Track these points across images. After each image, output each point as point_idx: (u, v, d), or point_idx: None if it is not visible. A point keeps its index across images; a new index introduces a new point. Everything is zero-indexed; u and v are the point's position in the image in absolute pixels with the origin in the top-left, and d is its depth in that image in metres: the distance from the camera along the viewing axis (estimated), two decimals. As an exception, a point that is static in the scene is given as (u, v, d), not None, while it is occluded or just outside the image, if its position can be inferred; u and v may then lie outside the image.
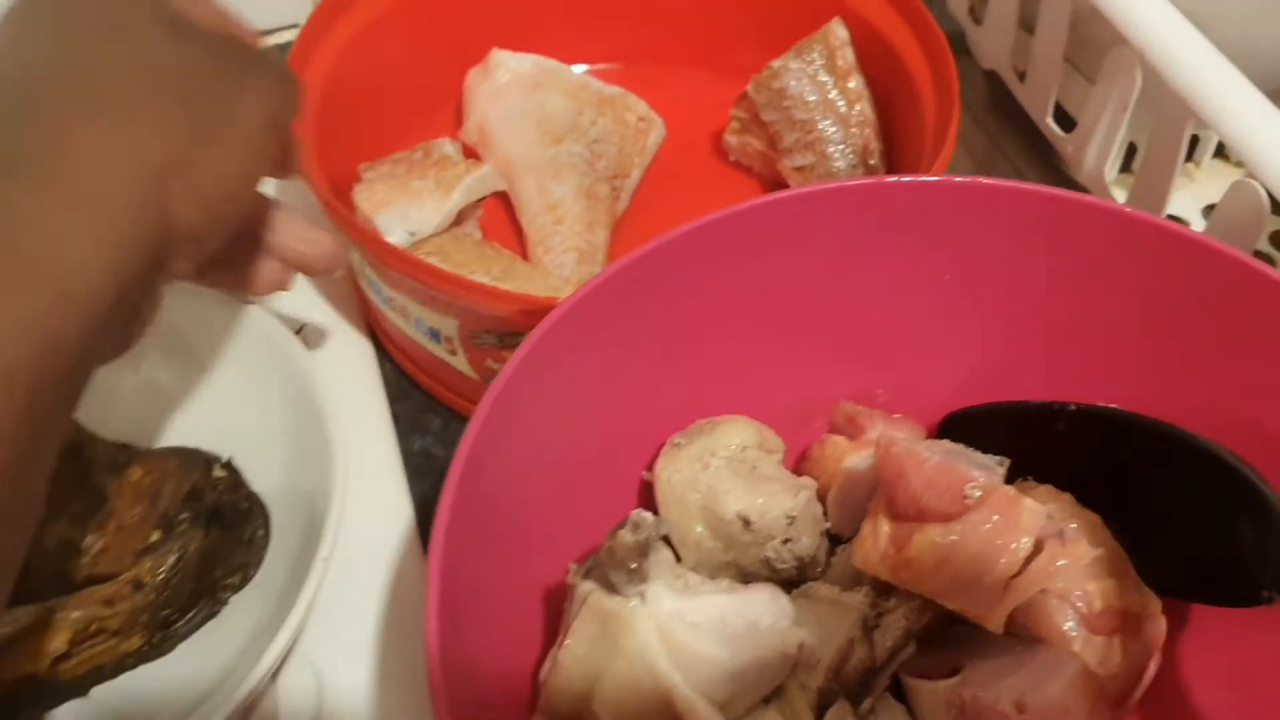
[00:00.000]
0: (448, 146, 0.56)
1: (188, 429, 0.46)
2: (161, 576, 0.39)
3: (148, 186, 0.30)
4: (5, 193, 0.28)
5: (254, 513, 0.43)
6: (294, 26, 0.71)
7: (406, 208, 0.52)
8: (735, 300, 0.42)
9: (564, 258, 0.55)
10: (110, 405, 0.44)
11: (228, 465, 0.43)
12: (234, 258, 0.39)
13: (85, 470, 0.42)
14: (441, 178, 0.53)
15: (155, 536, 0.40)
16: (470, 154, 0.60)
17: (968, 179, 0.40)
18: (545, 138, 0.58)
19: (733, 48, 0.64)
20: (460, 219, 0.55)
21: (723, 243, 0.41)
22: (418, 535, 0.50)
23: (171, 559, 0.39)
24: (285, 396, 0.44)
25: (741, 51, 0.63)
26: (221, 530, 0.42)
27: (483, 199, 0.56)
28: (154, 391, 0.47)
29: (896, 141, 0.57)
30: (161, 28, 0.33)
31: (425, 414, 0.54)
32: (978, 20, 0.66)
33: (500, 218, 0.59)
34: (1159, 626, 0.37)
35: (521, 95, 0.59)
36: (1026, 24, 0.61)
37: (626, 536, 0.35)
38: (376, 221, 0.52)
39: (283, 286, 0.41)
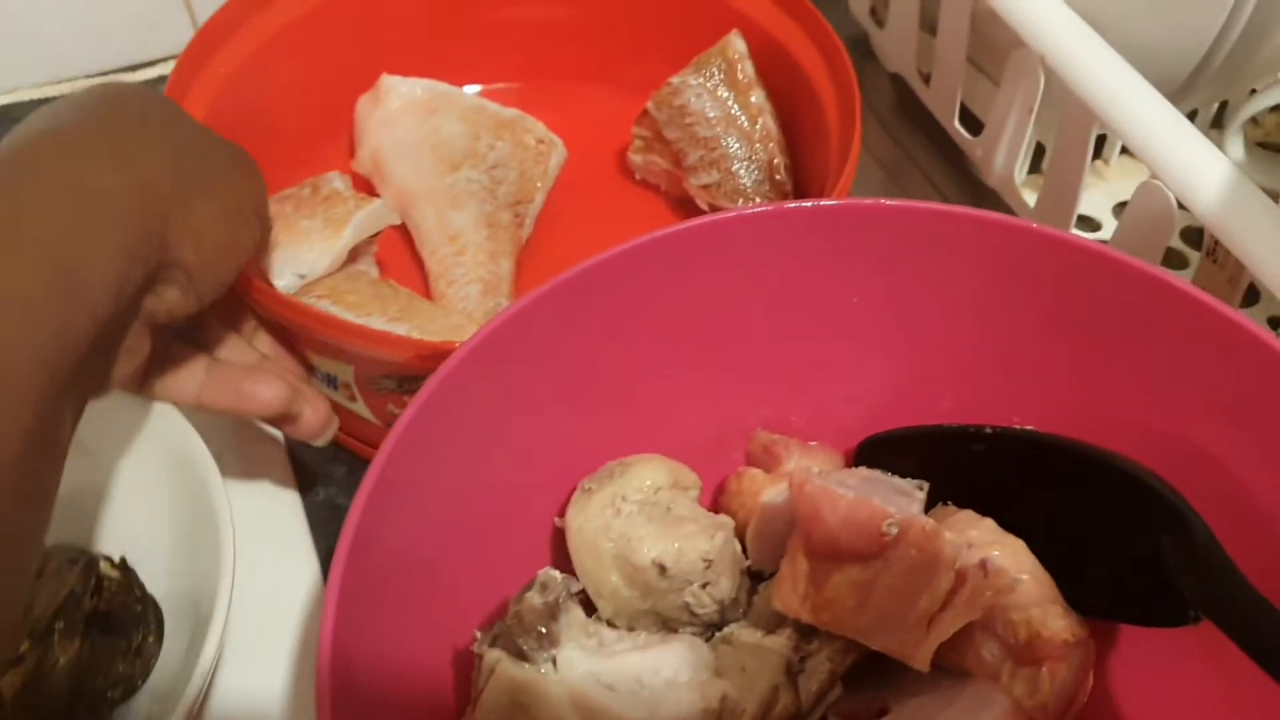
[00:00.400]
0: (337, 181, 0.53)
1: (69, 518, 0.43)
2: (24, 693, 0.36)
3: (151, 209, 0.34)
4: (24, 188, 0.32)
5: (146, 616, 0.40)
6: (171, 58, 0.68)
7: (294, 249, 0.49)
8: (642, 333, 0.41)
9: (468, 289, 0.53)
10: None
11: (121, 564, 0.40)
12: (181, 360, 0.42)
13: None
14: (330, 215, 0.51)
15: (25, 647, 0.37)
16: (364, 186, 0.57)
17: (869, 201, 0.39)
18: (441, 165, 0.56)
19: (631, 61, 0.62)
20: (354, 256, 0.53)
21: (625, 276, 0.39)
22: (324, 588, 0.47)
23: (35, 672, 0.36)
24: (173, 479, 0.42)
25: (641, 64, 0.61)
26: (106, 637, 0.39)
27: (377, 234, 0.53)
28: None
29: (802, 154, 0.56)
30: (174, 117, 0.40)
31: (329, 463, 0.51)
32: (880, 23, 0.65)
33: (401, 250, 0.57)
34: (1087, 652, 0.37)
35: (415, 121, 0.57)
36: (929, 26, 0.60)
37: (534, 599, 0.33)
38: (263, 265, 0.49)
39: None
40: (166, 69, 0.68)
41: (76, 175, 0.33)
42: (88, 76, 0.67)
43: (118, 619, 0.39)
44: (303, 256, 0.49)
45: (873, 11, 0.66)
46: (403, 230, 0.57)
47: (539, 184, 0.57)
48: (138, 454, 0.43)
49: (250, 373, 0.43)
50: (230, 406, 0.42)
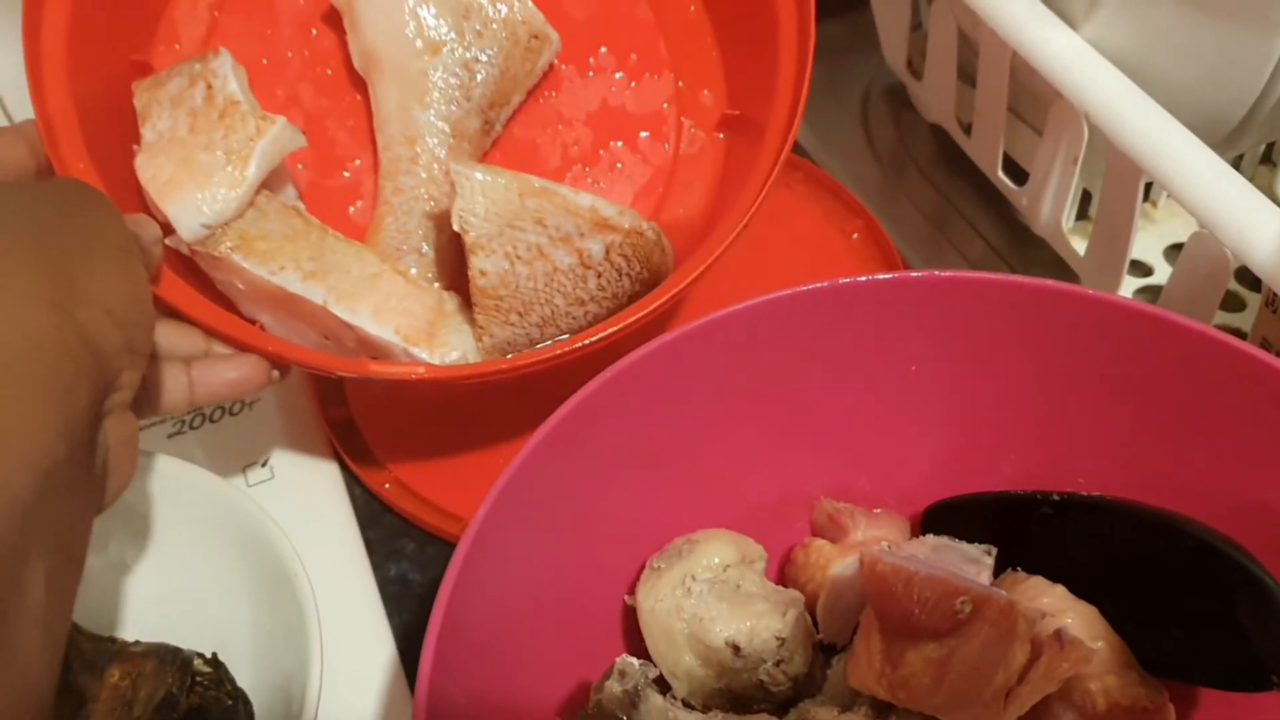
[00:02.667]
0: (231, 81, 0.46)
1: (159, 613, 0.45)
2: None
3: (55, 326, 0.30)
4: None
5: (237, 710, 0.41)
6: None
7: (196, 194, 0.44)
8: (704, 408, 0.42)
9: (414, 206, 0.49)
10: (81, 588, 0.43)
11: (213, 660, 0.42)
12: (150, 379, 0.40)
13: (66, 671, 0.41)
14: (230, 145, 0.44)
15: (127, 746, 0.38)
16: (336, 17, 0.51)
17: (921, 273, 0.40)
18: (420, 39, 0.49)
19: None
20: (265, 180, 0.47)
21: (685, 356, 0.40)
22: (401, 667, 0.48)
23: (137, 769, 0.38)
24: (261, 575, 0.43)
25: None
26: (201, 733, 0.40)
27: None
28: (123, 574, 0.46)
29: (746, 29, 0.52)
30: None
31: (399, 539, 0.52)
32: (917, 75, 0.66)
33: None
34: (1167, 717, 0.37)
35: None
36: (967, 76, 0.61)
37: (614, 687, 0.34)
38: (168, 213, 0.44)
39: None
40: None
41: None
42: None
43: (211, 715, 0.41)
44: (207, 202, 0.44)
45: (909, 64, 0.67)
46: (309, 99, 0.51)
47: (520, 85, 0.51)
48: (221, 549, 0.44)
49: (227, 361, 0.43)
50: (224, 396, 0.42)
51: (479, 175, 0.44)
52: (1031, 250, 0.61)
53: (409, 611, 0.50)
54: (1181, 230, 0.61)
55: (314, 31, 0.53)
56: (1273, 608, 0.34)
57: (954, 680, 0.35)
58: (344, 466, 0.54)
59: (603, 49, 0.55)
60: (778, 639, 0.38)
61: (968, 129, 0.62)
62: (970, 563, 0.40)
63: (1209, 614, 0.36)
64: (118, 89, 0.48)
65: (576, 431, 0.38)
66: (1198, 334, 0.37)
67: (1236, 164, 0.59)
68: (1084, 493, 0.39)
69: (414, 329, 0.45)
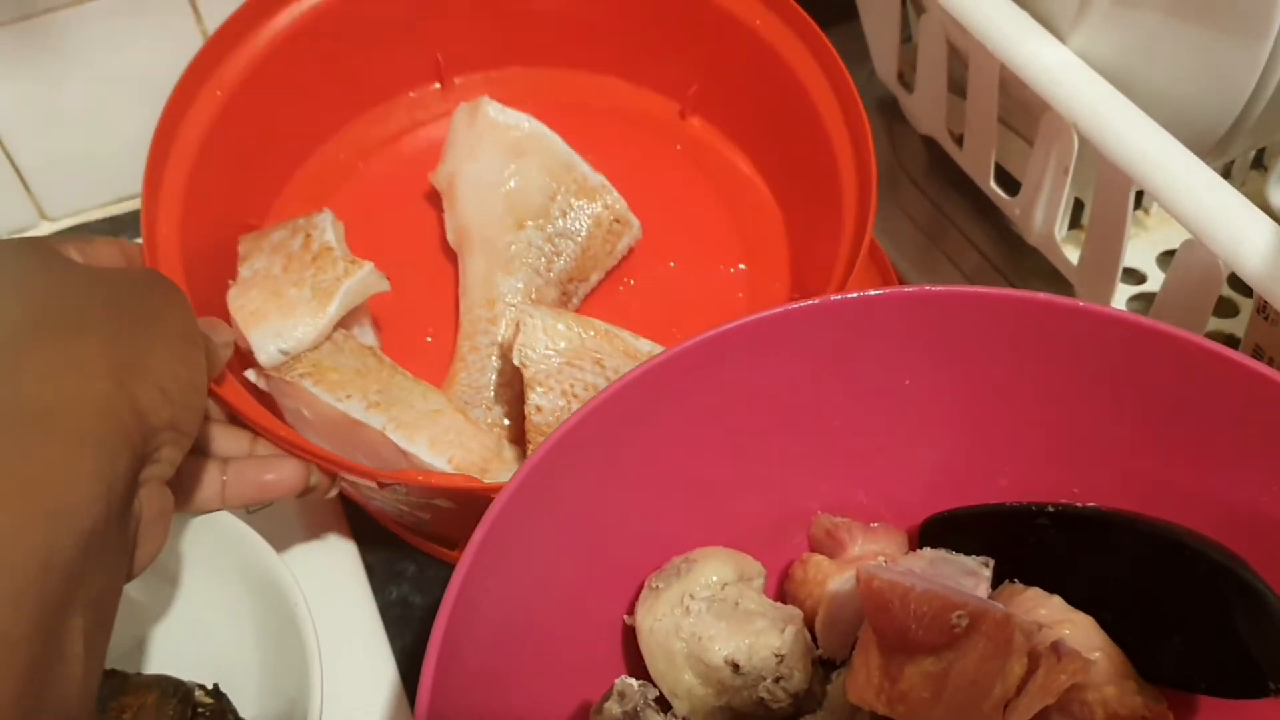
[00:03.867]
0: (329, 232, 0.50)
1: (161, 645, 0.45)
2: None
3: (109, 394, 0.32)
4: None
5: (239, 740, 0.42)
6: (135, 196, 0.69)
7: (280, 324, 0.47)
8: (701, 426, 0.42)
9: (486, 363, 0.51)
10: None
11: (214, 692, 0.42)
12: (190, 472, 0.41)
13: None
14: (319, 283, 0.48)
15: (130, 779, 0.39)
16: (436, 199, 0.57)
17: (913, 289, 0.40)
18: (509, 217, 0.53)
19: (653, 63, 0.62)
20: (346, 321, 0.50)
21: (686, 373, 0.40)
22: (403, 690, 0.48)
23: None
24: (261, 604, 0.43)
25: (662, 68, 0.62)
26: (201, 762, 0.40)
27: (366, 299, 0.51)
28: (124, 605, 0.45)
29: (811, 194, 0.56)
30: (62, 270, 0.36)
31: (399, 561, 0.52)
32: (908, 87, 0.66)
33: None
34: (1166, 726, 0.37)
35: (501, 159, 0.54)
36: (958, 88, 0.61)
37: (614, 708, 0.34)
38: (249, 338, 0.47)
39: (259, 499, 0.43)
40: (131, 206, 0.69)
41: (32, 401, 0.30)
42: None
43: (213, 744, 0.41)
44: (287, 331, 0.47)
45: (900, 76, 0.67)
46: (401, 264, 0.54)
47: (600, 264, 0.55)
48: (222, 579, 0.44)
49: (264, 462, 0.44)
50: (255, 499, 0.43)
51: (543, 314, 0.47)
52: (1026, 260, 0.61)
53: (410, 634, 0.50)
54: (1174, 237, 0.61)
55: (414, 210, 0.58)
56: (1269, 615, 0.34)
57: (952, 694, 0.35)
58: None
59: (683, 242, 0.58)
60: (777, 656, 0.38)
61: (959, 140, 0.62)
62: (968, 575, 0.40)
63: (1206, 622, 0.36)
64: (226, 243, 0.52)
65: (574, 451, 0.38)
66: (1191, 345, 0.37)
67: (1227, 170, 0.59)
68: (1079, 504, 0.39)
69: (469, 463, 0.46)
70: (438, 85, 0.62)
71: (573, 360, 0.46)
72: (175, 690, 0.40)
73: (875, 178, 0.51)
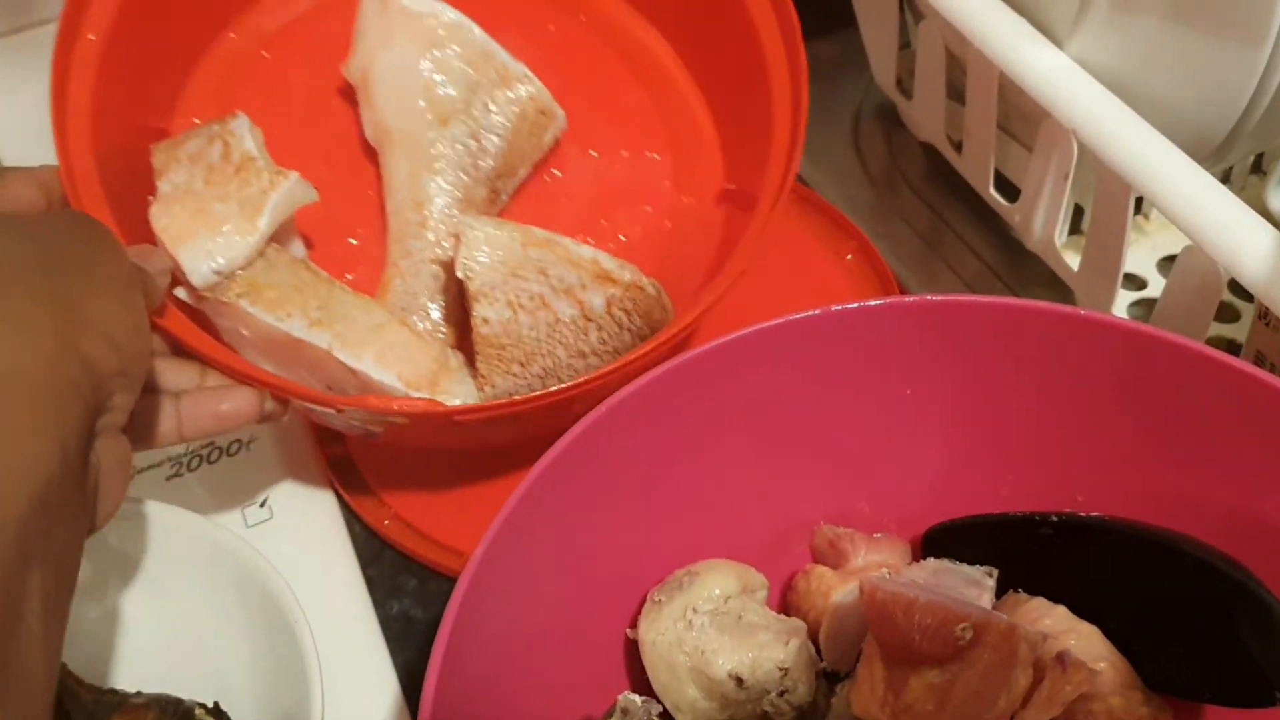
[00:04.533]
0: (247, 140, 0.47)
1: (159, 663, 0.45)
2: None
3: (53, 351, 0.31)
4: None
5: (241, 759, 0.41)
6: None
7: (209, 242, 0.45)
8: (702, 438, 0.42)
9: (420, 269, 0.50)
10: (77, 638, 0.44)
11: (214, 709, 0.41)
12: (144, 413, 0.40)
13: (67, 722, 0.41)
14: (245, 196, 0.46)
15: (132, 796, 0.38)
16: (350, 93, 0.53)
17: (913, 298, 0.40)
18: (430, 112, 0.50)
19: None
20: (274, 234, 0.48)
21: (681, 386, 0.40)
22: (406, 706, 0.48)
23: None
24: (261, 620, 0.43)
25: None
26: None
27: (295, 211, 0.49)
28: (122, 623, 0.45)
29: (739, 100, 0.54)
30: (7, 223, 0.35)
31: (400, 575, 0.52)
32: (906, 94, 0.66)
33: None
34: (1173, 736, 0.36)
35: (415, 48, 0.51)
36: (957, 94, 0.61)
37: (616, 724, 0.34)
38: (179, 258, 0.45)
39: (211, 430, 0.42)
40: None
41: None
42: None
43: (213, 764, 0.41)
44: (218, 250, 0.45)
45: (898, 83, 0.67)
46: (322, 167, 0.52)
47: (527, 158, 0.53)
48: (220, 596, 0.44)
49: (216, 394, 0.43)
50: (212, 430, 0.43)
51: (483, 224, 0.45)
52: (1026, 267, 0.61)
53: (412, 649, 0.50)
54: (1174, 243, 0.61)
55: (327, 106, 0.55)
56: (1273, 623, 0.34)
57: (957, 706, 0.35)
58: (343, 504, 0.54)
59: (604, 130, 0.56)
60: (780, 669, 0.37)
61: (959, 147, 0.62)
62: (972, 585, 0.40)
63: (1211, 631, 0.36)
64: (136, 151, 0.49)
65: (574, 465, 0.38)
66: (1193, 352, 0.37)
67: (1227, 175, 0.59)
68: (1083, 513, 0.39)
69: (417, 376, 0.45)
70: None
71: (516, 271, 0.45)
72: (174, 709, 0.40)
73: (806, 75, 0.49)
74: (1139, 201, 0.48)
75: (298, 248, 0.50)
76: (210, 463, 0.55)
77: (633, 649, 0.41)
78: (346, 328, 0.45)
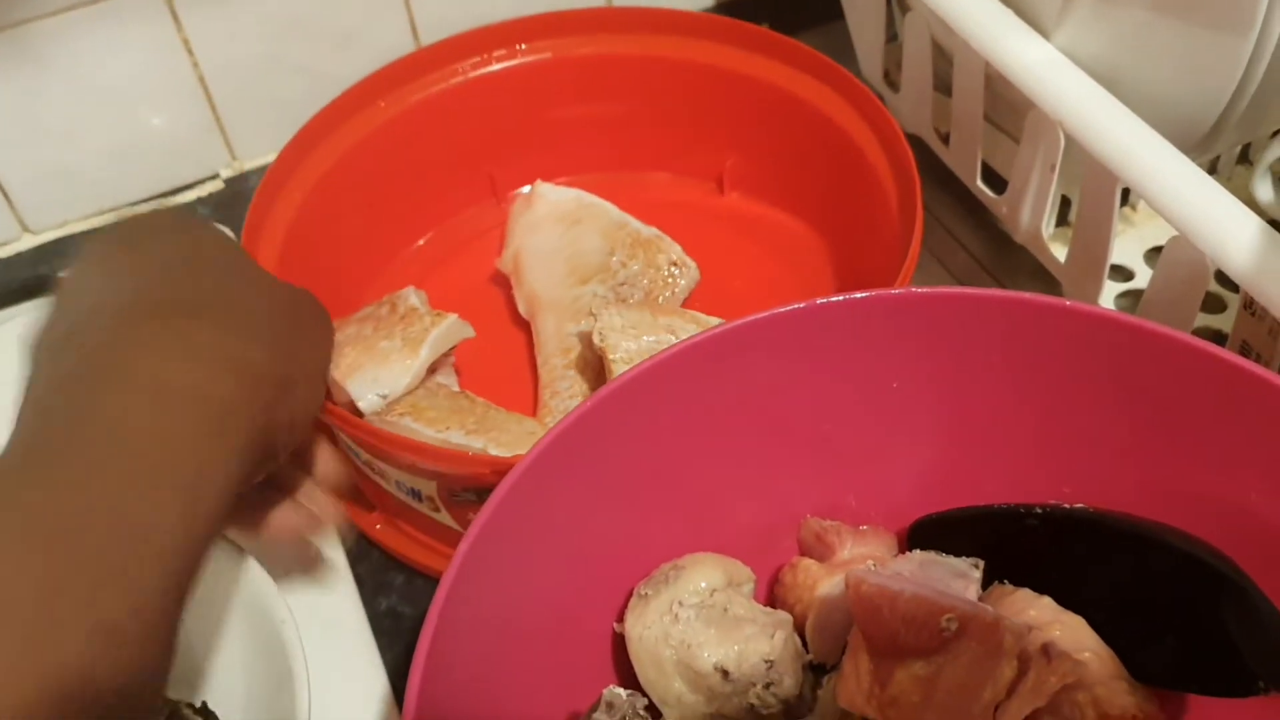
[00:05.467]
0: (413, 298, 0.54)
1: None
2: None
3: (262, 409, 0.35)
4: (147, 405, 0.33)
5: (229, 759, 0.41)
6: (214, 178, 0.70)
7: (375, 371, 0.50)
8: (689, 431, 0.42)
9: (569, 404, 0.53)
10: None
11: (203, 710, 0.41)
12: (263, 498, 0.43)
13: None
14: (408, 334, 0.52)
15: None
16: (504, 283, 0.60)
17: (899, 291, 0.40)
18: (572, 276, 0.57)
19: (688, 149, 0.65)
20: (433, 369, 0.53)
21: (669, 381, 0.40)
22: (394, 702, 0.48)
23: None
24: (248, 620, 0.42)
25: (699, 150, 0.64)
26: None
27: (453, 347, 0.54)
28: None
29: (863, 241, 0.57)
30: (251, 272, 0.40)
31: (387, 572, 0.52)
32: (893, 86, 0.66)
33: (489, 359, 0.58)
34: (1158, 726, 0.37)
35: (558, 230, 0.59)
36: (944, 86, 0.61)
37: (602, 719, 0.34)
38: (348, 388, 0.51)
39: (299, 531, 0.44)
40: (205, 190, 0.70)
41: (197, 386, 0.34)
42: (131, 204, 0.69)
43: (204, 763, 0.41)
44: (383, 378, 0.51)
45: (885, 75, 0.67)
46: (479, 338, 0.56)
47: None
48: (208, 597, 0.44)
49: (308, 511, 0.44)
50: (287, 538, 0.43)
51: (617, 306, 0.52)
52: (1013, 259, 0.61)
53: (400, 645, 0.50)
54: (1161, 234, 0.61)
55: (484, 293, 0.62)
56: (1255, 613, 0.34)
57: (943, 698, 0.35)
58: (333, 503, 0.54)
59: (738, 288, 0.61)
60: (766, 662, 0.37)
61: (946, 139, 0.62)
62: (957, 577, 0.40)
63: (1195, 622, 0.36)
64: None
65: (560, 460, 0.38)
66: (1178, 342, 0.37)
67: (1214, 165, 0.59)
68: (1068, 505, 0.39)
69: None
70: (495, 201, 0.65)
71: (650, 333, 0.50)
72: (162, 707, 0.40)
73: (919, 198, 0.52)
74: (1126, 193, 0.48)
75: (454, 384, 0.55)
76: (198, 460, 0.55)
77: (620, 644, 0.41)
78: (500, 434, 0.50)
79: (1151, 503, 0.38)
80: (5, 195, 0.66)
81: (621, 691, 0.35)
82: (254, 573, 0.42)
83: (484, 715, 0.37)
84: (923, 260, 0.64)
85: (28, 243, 0.68)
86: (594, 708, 0.35)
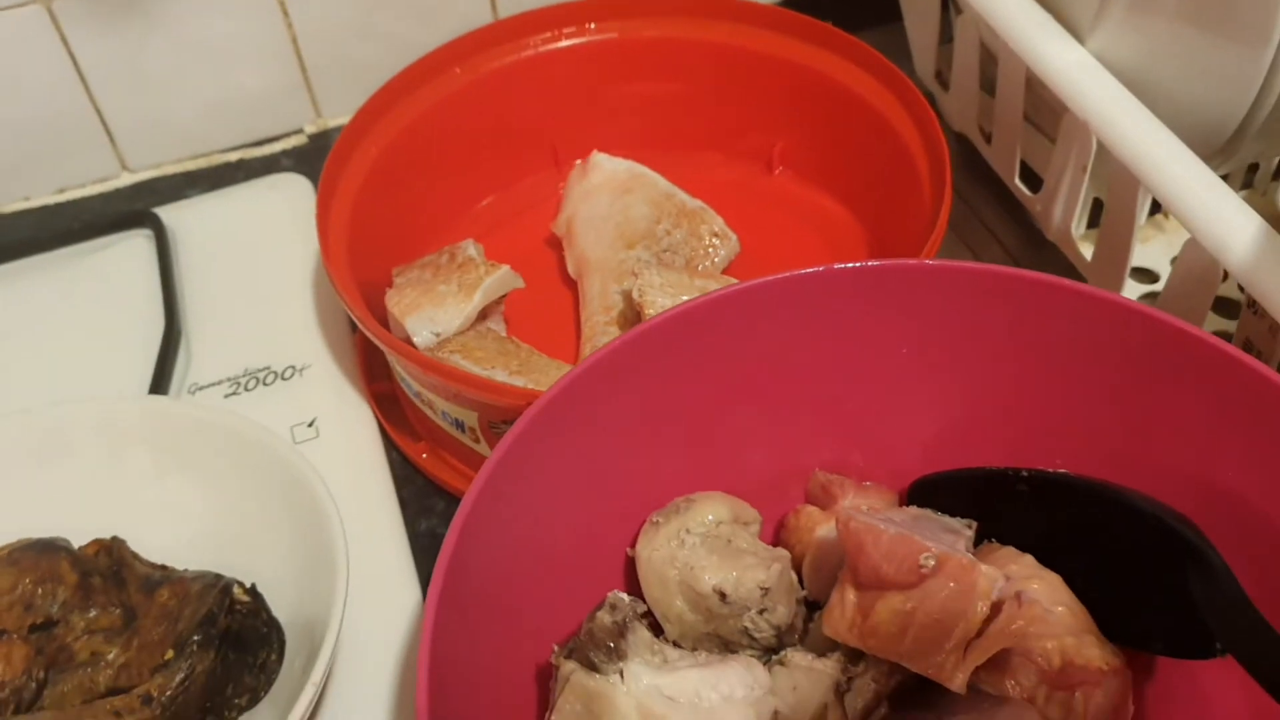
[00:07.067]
0: (471, 249, 0.59)
1: (208, 548, 0.49)
2: (169, 694, 0.41)
3: None
4: None
5: (271, 638, 0.45)
6: (298, 132, 0.75)
7: (432, 311, 0.55)
8: (712, 379, 0.45)
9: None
10: (138, 518, 0.49)
11: (251, 591, 0.46)
12: None
13: (123, 590, 0.45)
14: (464, 280, 0.56)
15: (169, 655, 0.43)
16: (556, 244, 0.64)
17: (912, 261, 0.43)
18: (620, 241, 0.61)
19: (740, 131, 0.68)
20: (484, 315, 0.58)
21: (695, 329, 0.44)
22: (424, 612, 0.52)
23: (179, 678, 0.42)
24: (299, 518, 0.47)
25: (750, 134, 0.68)
26: (235, 653, 0.44)
27: (504, 296, 0.58)
28: (179, 509, 0.50)
29: (896, 218, 0.60)
30: None
31: (430, 497, 0.56)
32: (944, 85, 0.69)
33: (539, 310, 0.62)
34: (1124, 680, 0.39)
35: (610, 197, 0.63)
36: (990, 87, 0.64)
37: (604, 618, 0.37)
38: (405, 325, 0.55)
39: None
40: (289, 143, 0.75)
41: None
42: (221, 151, 0.74)
43: (247, 638, 0.45)
44: (438, 317, 0.55)
45: (938, 74, 0.70)
46: (530, 292, 0.60)
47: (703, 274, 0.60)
48: (267, 494, 0.48)
49: None
50: None
51: (658, 266, 0.56)
52: (1045, 256, 0.63)
53: (434, 563, 0.54)
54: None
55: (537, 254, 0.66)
56: (1215, 578, 0.36)
57: (918, 631, 0.38)
58: (384, 433, 0.59)
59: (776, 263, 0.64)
60: (762, 589, 0.41)
61: (989, 138, 0.65)
62: (949, 533, 0.42)
63: (1161, 585, 0.39)
64: (384, 282, 0.60)
65: (586, 392, 0.42)
66: (1172, 327, 0.40)
67: (1249, 179, 0.62)
68: (1050, 470, 0.42)
69: None
70: (555, 170, 0.69)
71: (684, 292, 0.53)
72: (216, 582, 0.45)
73: (949, 186, 0.55)
74: (1158, 202, 0.50)
75: (502, 330, 0.60)
76: (266, 385, 0.60)
77: (631, 568, 0.44)
78: (541, 377, 0.54)
79: (1131, 474, 0.40)
80: (110, 136, 0.72)
81: (625, 596, 0.39)
82: (309, 474, 0.46)
83: (502, 617, 0.41)
84: (957, 251, 0.66)
85: (126, 180, 0.73)
86: (598, 607, 0.38)
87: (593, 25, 0.66)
